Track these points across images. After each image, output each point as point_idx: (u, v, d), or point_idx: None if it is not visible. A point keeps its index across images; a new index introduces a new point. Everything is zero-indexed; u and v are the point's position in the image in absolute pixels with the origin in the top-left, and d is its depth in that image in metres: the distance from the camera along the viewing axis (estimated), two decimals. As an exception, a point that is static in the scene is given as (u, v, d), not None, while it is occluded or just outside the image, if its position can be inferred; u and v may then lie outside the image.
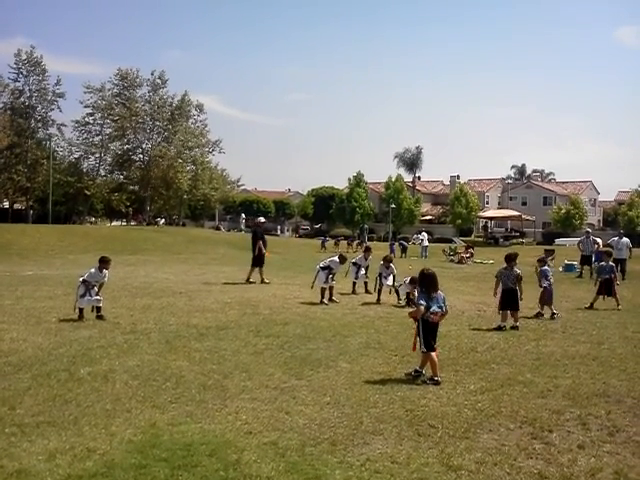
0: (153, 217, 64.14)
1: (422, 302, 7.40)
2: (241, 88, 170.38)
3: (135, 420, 5.69)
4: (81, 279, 11.00)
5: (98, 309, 10.93)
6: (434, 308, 7.39)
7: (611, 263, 14.82)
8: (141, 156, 63.36)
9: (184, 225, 66.52)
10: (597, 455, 5.10)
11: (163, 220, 64.38)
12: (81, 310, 10.73)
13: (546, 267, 13.35)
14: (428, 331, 7.40)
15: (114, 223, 71.83)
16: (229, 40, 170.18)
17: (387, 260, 15.27)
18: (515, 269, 11.44)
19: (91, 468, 4.58)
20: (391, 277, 14.98)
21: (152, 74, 61.37)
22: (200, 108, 63.76)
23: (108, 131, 60.92)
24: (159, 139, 62.96)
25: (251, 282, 17.40)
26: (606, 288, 14.19)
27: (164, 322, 10.70)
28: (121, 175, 64.19)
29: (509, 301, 11.16)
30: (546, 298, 12.61)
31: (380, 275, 14.91)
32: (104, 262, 11.32)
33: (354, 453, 5.03)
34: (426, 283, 7.57)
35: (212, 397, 6.44)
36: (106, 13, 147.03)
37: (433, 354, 7.37)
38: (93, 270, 11.20)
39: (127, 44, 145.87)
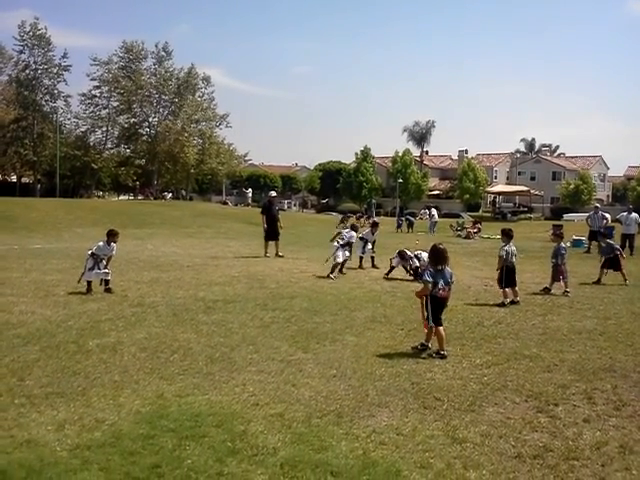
0: (160, 191, 64.18)
1: (428, 279, 7.43)
2: (248, 61, 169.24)
3: (143, 391, 5.74)
4: (90, 252, 11.05)
5: (106, 282, 10.99)
6: (441, 284, 7.39)
7: (610, 241, 14.54)
8: (148, 130, 63.26)
9: (191, 199, 66.53)
10: (603, 429, 5.11)
11: (170, 194, 64.43)
12: (89, 283, 10.80)
13: (562, 244, 13.09)
14: (436, 306, 7.43)
15: (121, 197, 71.93)
16: (235, 12, 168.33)
17: (374, 225, 15.45)
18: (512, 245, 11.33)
19: (99, 438, 4.63)
20: (370, 245, 15.48)
21: (156, 46, 60.94)
22: (207, 80, 63.45)
23: (115, 104, 60.83)
24: (166, 112, 62.78)
25: (267, 256, 17.44)
26: (611, 264, 14.07)
27: (171, 295, 10.75)
28: (128, 149, 64.17)
29: (510, 278, 11.06)
30: (558, 275, 12.39)
31: (363, 240, 15.40)
32: (112, 235, 11.37)
33: (360, 425, 5.06)
34: (437, 257, 7.62)
35: (219, 369, 6.48)
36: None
37: (441, 328, 7.40)
38: (101, 243, 11.25)
39: (132, 17, 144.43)
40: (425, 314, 7.49)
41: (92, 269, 10.84)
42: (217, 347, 7.35)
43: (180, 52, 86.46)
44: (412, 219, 41.00)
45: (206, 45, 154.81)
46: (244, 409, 5.33)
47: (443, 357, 7.16)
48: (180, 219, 34.71)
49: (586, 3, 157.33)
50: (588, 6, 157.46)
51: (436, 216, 40.06)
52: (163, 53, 61.27)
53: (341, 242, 14.42)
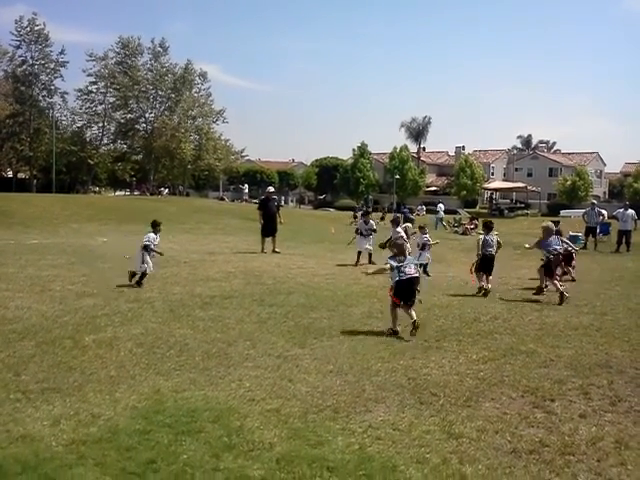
0: (157, 187, 64.03)
1: (392, 262, 8.41)
2: (245, 57, 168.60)
3: (139, 387, 5.73)
4: (143, 245, 11.43)
5: (143, 275, 11.24)
6: (404, 269, 8.30)
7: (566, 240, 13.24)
8: (144, 125, 63.08)
9: (188, 195, 66.39)
10: (598, 424, 5.12)
11: (167, 190, 64.28)
12: (144, 276, 11.18)
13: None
14: (399, 289, 8.27)
15: (118, 193, 71.72)
16: (233, 8, 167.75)
17: (366, 214, 15.95)
18: (494, 236, 12.05)
19: (95, 433, 4.63)
20: (371, 239, 15.72)
21: (152, 42, 60.72)
22: (204, 76, 63.22)
23: (111, 100, 60.61)
24: (162, 108, 62.59)
25: (264, 252, 17.41)
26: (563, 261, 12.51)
27: (168, 291, 10.73)
28: (124, 144, 63.99)
29: (486, 266, 11.72)
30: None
31: (358, 232, 15.62)
32: (157, 225, 12.06)
33: (356, 420, 5.06)
34: (396, 250, 8.76)
35: (216, 365, 6.48)
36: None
37: (398, 310, 8.20)
38: (152, 235, 11.79)
39: (130, 13, 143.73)
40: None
41: (143, 262, 11.20)
42: (214, 343, 7.35)
43: (177, 48, 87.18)
44: (410, 215, 40.88)
45: (204, 41, 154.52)
46: (240, 404, 5.33)
47: (395, 333, 8.01)
48: (177, 215, 34.63)
49: (584, 1, 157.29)
50: (586, 4, 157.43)
51: (442, 212, 39.11)
52: (159, 49, 61.04)
53: (364, 232, 15.40)
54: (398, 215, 23.04)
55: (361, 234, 15.84)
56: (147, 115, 62.75)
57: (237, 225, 31.03)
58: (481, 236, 12.21)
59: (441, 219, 38.44)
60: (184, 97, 61.15)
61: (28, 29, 55.03)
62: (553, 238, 11.83)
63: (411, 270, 8.37)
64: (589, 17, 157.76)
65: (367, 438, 4.71)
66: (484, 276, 11.67)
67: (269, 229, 17.93)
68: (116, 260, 14.89)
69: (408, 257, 8.73)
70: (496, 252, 12.03)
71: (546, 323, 9.00)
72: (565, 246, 12.55)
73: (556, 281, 11.21)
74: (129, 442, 4.48)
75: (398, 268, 8.27)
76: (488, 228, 12.33)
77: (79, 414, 5.00)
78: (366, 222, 16.01)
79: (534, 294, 11.41)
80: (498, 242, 12.14)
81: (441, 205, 41.15)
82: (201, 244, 20.54)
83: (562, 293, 10.67)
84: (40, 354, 6.66)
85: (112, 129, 62.85)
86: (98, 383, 5.79)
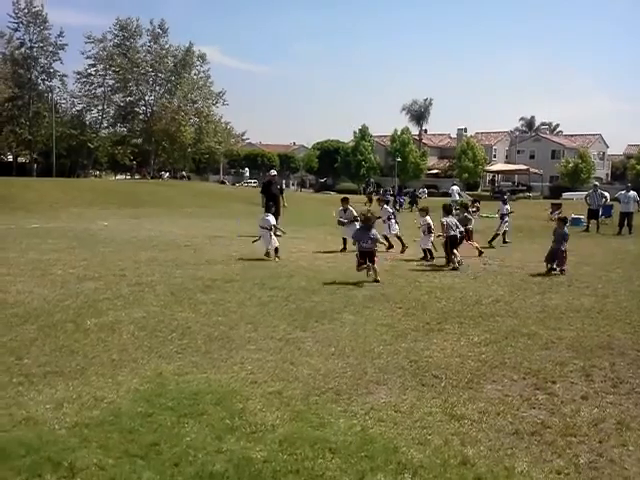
0: (157, 171, 63.88)
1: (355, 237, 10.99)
2: (245, 39, 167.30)
3: (141, 370, 5.74)
4: (270, 227, 13.03)
5: (276, 250, 12.96)
6: (363, 241, 10.74)
7: (566, 230, 12.55)
8: (144, 108, 62.77)
9: (189, 179, 66.23)
10: (600, 406, 5.13)
11: (167, 174, 64.12)
12: (277, 250, 12.92)
13: (566, 229, 12.66)
14: (361, 255, 10.75)
15: (118, 177, 71.59)
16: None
17: (344, 201, 15.58)
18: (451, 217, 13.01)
19: (98, 416, 4.64)
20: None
21: (151, 23, 60.18)
22: (202, 58, 62.72)
23: (110, 83, 60.27)
24: (162, 91, 62.22)
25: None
26: (552, 256, 12.20)
27: (170, 274, 10.73)
28: (124, 128, 63.71)
29: (454, 245, 12.64)
30: (562, 259, 12.08)
31: (341, 222, 14.94)
32: (268, 207, 13.82)
33: (358, 402, 5.07)
34: (362, 222, 11.28)
35: (218, 348, 6.48)
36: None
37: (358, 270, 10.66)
38: (269, 217, 13.36)
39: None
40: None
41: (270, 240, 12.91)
42: (215, 326, 7.35)
43: (176, 30, 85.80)
44: (418, 195, 40.15)
45: (203, 23, 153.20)
46: (243, 387, 5.34)
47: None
48: (177, 198, 34.59)
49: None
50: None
51: (456, 194, 36.01)
52: (159, 30, 60.52)
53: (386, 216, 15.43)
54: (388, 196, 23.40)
55: (342, 224, 14.97)
56: (147, 98, 62.45)
57: (238, 209, 30.98)
58: (443, 219, 12.93)
59: (456, 201, 36.30)
60: (184, 80, 60.76)
61: (26, 11, 54.51)
62: (450, 218, 13.04)
63: (367, 244, 10.74)
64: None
65: (369, 420, 4.72)
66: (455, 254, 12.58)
67: (272, 213, 17.84)
68: (117, 244, 14.90)
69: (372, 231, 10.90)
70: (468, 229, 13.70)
71: (548, 305, 9.00)
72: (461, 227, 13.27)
73: (453, 256, 12.51)
74: (132, 425, 4.50)
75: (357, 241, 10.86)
76: (447, 211, 13.22)
77: (82, 397, 5.01)
78: (345, 210, 15.12)
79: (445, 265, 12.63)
80: (466, 217, 13.96)
81: (455, 187, 37.99)
82: (202, 227, 20.52)
83: (455, 266, 12.25)
84: (42, 338, 6.67)
85: (112, 112, 62.54)
86: (100, 366, 5.80)
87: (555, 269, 12.05)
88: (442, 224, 12.90)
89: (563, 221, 13.11)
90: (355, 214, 14.62)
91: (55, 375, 5.52)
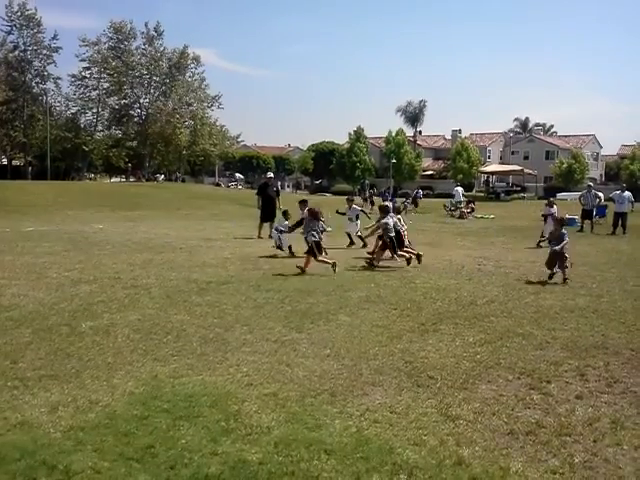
0: (152, 173, 63.81)
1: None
2: (240, 42, 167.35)
3: (137, 373, 5.73)
4: (280, 229, 14.03)
5: (290, 248, 13.87)
6: (313, 233, 11.87)
7: (564, 231, 11.80)
8: (139, 111, 62.71)
9: (183, 181, 66.18)
10: (595, 405, 5.15)
11: (162, 176, 64.05)
12: (290, 248, 13.85)
13: (565, 230, 11.87)
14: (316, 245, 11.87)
15: (113, 179, 71.48)
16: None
17: (350, 201, 17.05)
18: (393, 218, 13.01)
19: (93, 420, 4.63)
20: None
21: (146, 25, 60.12)
22: (197, 60, 62.69)
23: (105, 85, 60.26)
24: (157, 93, 62.17)
25: (261, 237, 17.36)
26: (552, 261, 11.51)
27: (165, 277, 10.72)
28: (119, 131, 63.64)
29: (399, 242, 12.85)
30: (562, 262, 11.26)
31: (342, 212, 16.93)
32: (288, 214, 14.49)
33: (354, 404, 5.07)
34: (311, 216, 12.26)
35: (213, 350, 6.48)
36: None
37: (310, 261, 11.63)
38: (285, 222, 14.12)
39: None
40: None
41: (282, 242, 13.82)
42: (211, 328, 7.35)
43: (172, 32, 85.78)
44: (421, 195, 40.30)
45: (198, 25, 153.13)
46: (238, 389, 5.34)
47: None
48: (172, 201, 34.58)
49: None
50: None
51: (459, 195, 36.82)
52: (154, 33, 60.49)
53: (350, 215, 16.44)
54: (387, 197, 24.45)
55: (343, 214, 16.98)
56: (142, 101, 62.46)
57: (233, 211, 31.01)
58: (383, 221, 12.99)
59: (459, 202, 35.91)
60: (179, 82, 60.72)
61: (19, 14, 54.41)
62: (389, 219, 12.98)
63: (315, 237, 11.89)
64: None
65: (364, 421, 4.73)
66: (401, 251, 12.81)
67: (268, 214, 17.88)
68: (112, 246, 14.89)
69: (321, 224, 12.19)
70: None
71: (542, 306, 9.03)
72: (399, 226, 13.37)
73: (402, 253, 12.80)
74: (127, 428, 4.49)
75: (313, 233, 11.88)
76: (384, 212, 13.34)
77: (77, 400, 5.00)
78: (350, 207, 16.89)
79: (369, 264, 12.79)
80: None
81: (459, 188, 38.38)
82: (197, 230, 20.50)
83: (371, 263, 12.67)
84: (37, 341, 6.65)
85: (106, 115, 62.53)
86: (95, 369, 5.79)
87: (555, 273, 11.25)
88: (381, 225, 12.96)
89: (560, 222, 12.32)
90: (359, 210, 16.95)
91: (50, 378, 5.51)
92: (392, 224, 12.75)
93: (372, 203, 36.60)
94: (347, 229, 16.74)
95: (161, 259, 12.79)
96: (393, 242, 12.67)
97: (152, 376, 5.64)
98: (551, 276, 11.26)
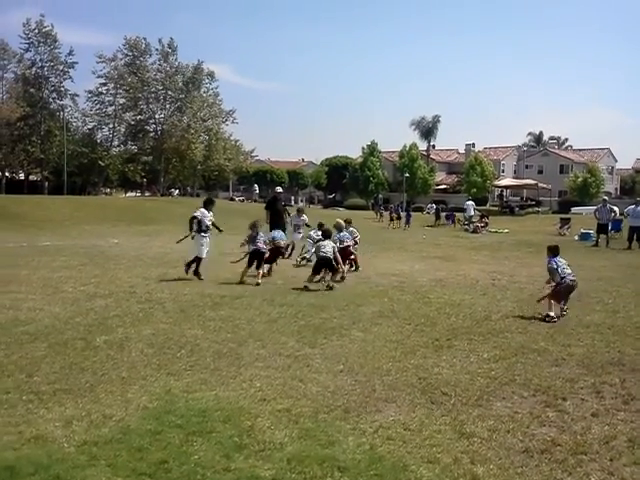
0: (167, 188, 64.28)
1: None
2: (254, 57, 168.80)
3: (150, 387, 5.75)
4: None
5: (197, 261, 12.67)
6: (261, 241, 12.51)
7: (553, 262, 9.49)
8: (154, 126, 63.30)
9: (198, 196, 66.55)
10: (611, 423, 5.09)
11: (177, 191, 64.48)
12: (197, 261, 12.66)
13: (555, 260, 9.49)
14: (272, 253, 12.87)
15: (129, 194, 72.11)
16: (242, 7, 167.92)
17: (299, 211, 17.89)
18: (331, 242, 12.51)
19: (107, 434, 4.65)
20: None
21: (160, 42, 60.84)
22: (211, 76, 63.27)
23: (121, 101, 60.86)
24: (172, 109, 62.73)
25: None
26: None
27: (179, 292, 10.77)
28: (135, 146, 64.24)
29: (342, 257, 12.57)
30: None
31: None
32: (211, 202, 14.03)
33: (367, 420, 5.05)
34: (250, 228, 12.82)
35: (226, 365, 6.49)
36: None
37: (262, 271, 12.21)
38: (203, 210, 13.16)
39: (136, 12, 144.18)
40: None
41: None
42: (224, 343, 7.36)
43: (187, 48, 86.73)
44: (439, 209, 41.00)
45: (213, 41, 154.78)
46: (251, 404, 5.34)
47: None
48: (187, 215, 34.70)
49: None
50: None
51: (471, 209, 36.38)
52: (168, 49, 61.20)
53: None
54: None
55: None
56: (157, 116, 62.98)
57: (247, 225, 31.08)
58: (338, 236, 13.48)
59: (470, 217, 35.70)
60: (193, 98, 61.28)
61: (36, 31, 55.32)
62: (344, 233, 13.73)
63: (260, 245, 12.34)
64: (598, 10, 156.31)
65: (378, 438, 4.70)
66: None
67: (277, 228, 17.92)
68: (128, 261, 15.00)
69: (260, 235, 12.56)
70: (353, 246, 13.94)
71: (557, 321, 8.94)
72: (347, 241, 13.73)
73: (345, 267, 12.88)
74: (140, 443, 4.50)
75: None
76: (339, 229, 13.73)
77: (91, 415, 5.03)
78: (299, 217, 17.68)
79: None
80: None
81: (470, 202, 38.08)
82: (212, 244, 20.55)
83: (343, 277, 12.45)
84: (52, 355, 6.71)
85: (122, 130, 63.13)
86: (110, 384, 5.82)
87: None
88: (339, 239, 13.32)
89: (551, 250, 9.70)
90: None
91: (64, 393, 5.54)
92: (330, 248, 12.07)
93: (381, 215, 38.58)
94: (293, 239, 17.04)
95: (176, 273, 12.85)
96: (320, 263, 12.00)
97: (166, 391, 5.66)
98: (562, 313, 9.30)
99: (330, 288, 11.44)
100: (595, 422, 5.10)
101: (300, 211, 18.37)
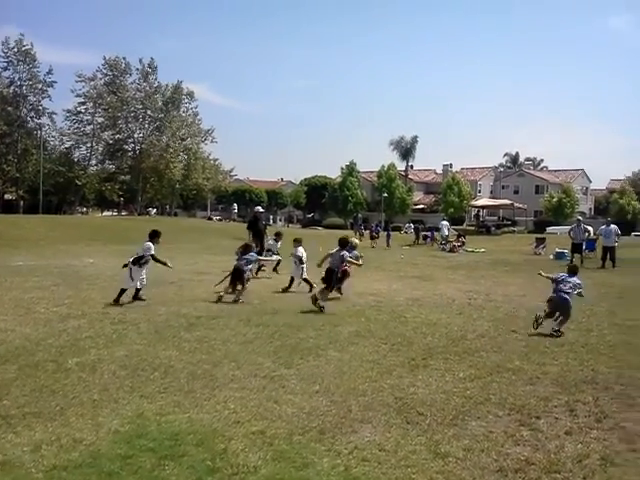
0: (145, 207, 63.89)
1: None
2: (233, 76, 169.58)
3: (122, 410, 5.66)
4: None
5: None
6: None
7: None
8: (133, 145, 63.04)
9: (176, 215, 66.27)
10: (584, 441, 5.12)
11: (155, 210, 64.12)
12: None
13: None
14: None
15: (105, 213, 71.50)
16: (219, 27, 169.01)
17: (277, 235, 17.36)
18: (343, 252, 12.15)
19: (77, 459, 4.56)
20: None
21: (140, 61, 60.89)
22: (191, 95, 63.35)
23: (100, 120, 60.50)
24: (151, 128, 62.57)
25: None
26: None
27: (154, 312, 10.65)
28: (112, 165, 63.84)
29: (327, 278, 11.77)
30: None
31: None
32: (157, 235, 12.74)
33: (342, 441, 5.02)
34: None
35: (201, 387, 6.41)
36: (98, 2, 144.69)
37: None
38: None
39: (118, 32, 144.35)
40: None
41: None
42: (199, 364, 7.28)
43: (165, 67, 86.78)
44: (419, 228, 42.12)
45: (192, 60, 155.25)
46: (225, 427, 5.27)
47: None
48: (164, 235, 34.45)
49: (569, 19, 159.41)
50: (572, 21, 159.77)
51: (445, 229, 36.55)
52: (148, 69, 61.23)
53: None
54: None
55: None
56: (136, 135, 62.72)
57: (225, 245, 30.94)
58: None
59: (446, 236, 35.98)
60: (172, 117, 61.24)
61: (15, 50, 54.98)
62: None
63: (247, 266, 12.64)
64: (575, 34, 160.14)
65: (353, 459, 4.67)
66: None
67: (259, 247, 17.92)
68: (102, 281, 14.80)
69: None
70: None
71: (532, 340, 9.02)
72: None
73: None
74: (111, 467, 4.42)
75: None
76: (343, 245, 12.45)
77: (60, 439, 4.92)
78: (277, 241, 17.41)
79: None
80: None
81: (444, 222, 38.29)
82: (188, 264, 20.40)
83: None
84: (22, 378, 6.57)
85: (100, 149, 62.71)
86: (81, 407, 5.71)
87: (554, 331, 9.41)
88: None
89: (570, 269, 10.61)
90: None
91: (34, 416, 5.42)
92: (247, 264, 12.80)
93: (361, 235, 38.79)
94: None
95: (151, 293, 12.68)
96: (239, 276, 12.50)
97: (138, 414, 5.57)
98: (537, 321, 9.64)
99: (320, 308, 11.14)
100: (568, 440, 5.13)
101: (279, 235, 18.01)
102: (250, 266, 13.48)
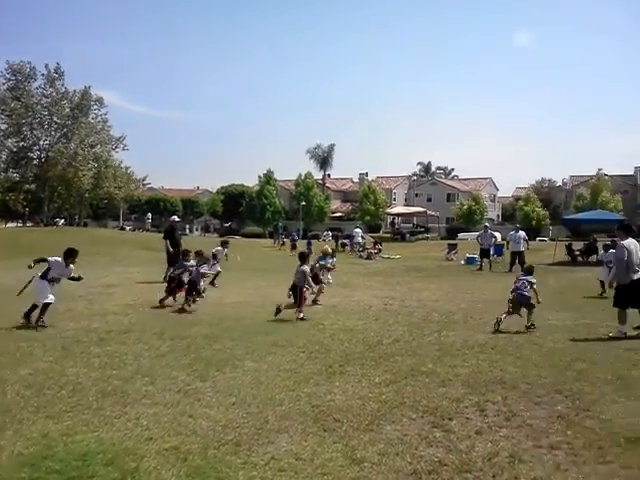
0: (52, 217, 61.07)
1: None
2: (147, 84, 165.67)
3: (27, 432, 5.34)
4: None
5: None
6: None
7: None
8: (39, 153, 60.13)
9: (85, 225, 63.77)
10: (494, 440, 5.30)
11: (63, 220, 61.44)
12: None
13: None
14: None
15: (9, 224, 67.77)
16: (132, 31, 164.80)
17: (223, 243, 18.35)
18: (303, 266, 12.14)
19: (-27, 487, 4.26)
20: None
21: (46, 67, 58.33)
22: (100, 102, 61.16)
23: (3, 127, 57.38)
24: (58, 135, 59.94)
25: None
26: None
27: (61, 328, 10.17)
28: (16, 174, 60.64)
29: (293, 294, 11.99)
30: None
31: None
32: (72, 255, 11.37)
33: (258, 453, 4.96)
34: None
35: (111, 404, 6.16)
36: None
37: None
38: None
39: (29, 35, 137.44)
40: None
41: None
42: (109, 380, 7.00)
43: (76, 73, 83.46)
44: (338, 235, 42.65)
45: (101, 67, 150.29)
46: (137, 444, 5.08)
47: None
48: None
49: (478, 36, 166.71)
50: (481, 39, 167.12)
51: (359, 236, 37.53)
52: (55, 74, 58.68)
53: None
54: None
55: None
56: (42, 143, 59.80)
57: (138, 255, 30.05)
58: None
59: (359, 243, 36.91)
60: (81, 124, 58.95)
61: None
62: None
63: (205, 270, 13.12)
64: (479, 50, 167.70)
65: (269, 470, 4.62)
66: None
67: (173, 258, 17.48)
68: (5, 296, 13.99)
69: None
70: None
71: (445, 343, 9.30)
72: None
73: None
74: (12, 494, 4.15)
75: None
76: (303, 259, 12.56)
77: (-45, 467, 4.58)
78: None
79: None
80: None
81: (358, 230, 39.54)
82: (98, 276, 19.64)
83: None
84: None
85: (4, 157, 59.40)
86: (-21, 431, 5.34)
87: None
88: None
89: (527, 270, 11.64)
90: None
91: None
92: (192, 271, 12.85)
93: (294, 247, 37.61)
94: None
95: (58, 308, 12.11)
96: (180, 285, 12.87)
97: (43, 435, 5.28)
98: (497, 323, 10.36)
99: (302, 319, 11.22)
100: (479, 440, 5.30)
101: (226, 243, 18.87)
102: (202, 276, 13.41)
